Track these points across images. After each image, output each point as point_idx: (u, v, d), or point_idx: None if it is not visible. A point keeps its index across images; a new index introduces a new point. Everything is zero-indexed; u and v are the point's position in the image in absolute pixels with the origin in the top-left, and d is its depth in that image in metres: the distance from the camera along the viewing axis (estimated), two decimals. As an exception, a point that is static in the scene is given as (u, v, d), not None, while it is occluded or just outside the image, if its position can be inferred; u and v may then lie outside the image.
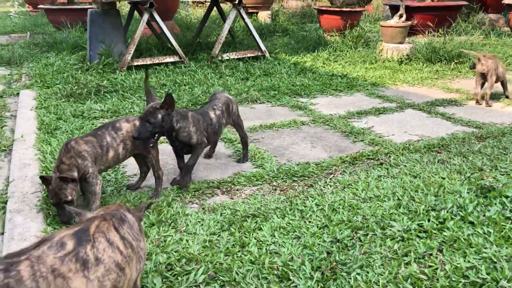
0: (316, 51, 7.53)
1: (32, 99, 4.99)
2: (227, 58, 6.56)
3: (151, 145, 2.83)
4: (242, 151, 3.52)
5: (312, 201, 2.78)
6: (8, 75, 6.36)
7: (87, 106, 4.70)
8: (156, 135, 2.82)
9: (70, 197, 2.51)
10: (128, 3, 7.08)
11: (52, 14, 9.49)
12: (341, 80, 5.87)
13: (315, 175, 3.21)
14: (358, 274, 2.06)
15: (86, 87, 5.20)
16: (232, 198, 2.93)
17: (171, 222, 2.60)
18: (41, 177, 2.51)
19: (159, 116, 2.74)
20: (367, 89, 5.55)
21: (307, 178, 3.18)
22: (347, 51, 7.41)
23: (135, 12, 7.10)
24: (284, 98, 5.15)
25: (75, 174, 2.56)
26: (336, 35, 8.24)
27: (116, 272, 1.46)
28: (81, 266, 1.37)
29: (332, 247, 2.28)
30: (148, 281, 2.06)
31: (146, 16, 6.13)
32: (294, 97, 5.25)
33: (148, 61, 6.20)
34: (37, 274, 1.27)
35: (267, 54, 6.87)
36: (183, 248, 2.34)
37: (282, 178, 3.18)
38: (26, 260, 1.28)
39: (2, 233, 2.53)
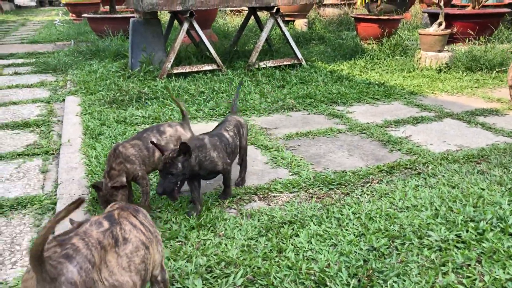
0: (353, 59, 7.53)
1: (77, 105, 5.23)
2: (264, 66, 6.66)
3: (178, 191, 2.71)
4: (241, 174, 3.33)
5: (349, 209, 2.82)
6: (54, 81, 6.68)
7: (129, 112, 4.89)
8: (180, 182, 2.70)
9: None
10: (169, 12, 7.30)
11: (95, 22, 9.87)
12: (378, 89, 5.86)
13: (352, 184, 3.24)
14: (394, 282, 2.09)
15: (128, 94, 5.40)
16: (269, 204, 3.00)
17: (211, 226, 2.70)
18: (93, 186, 2.67)
19: (179, 165, 2.61)
20: (405, 98, 5.52)
21: (343, 186, 3.22)
22: (385, 59, 7.38)
23: (175, 21, 7.31)
24: (320, 106, 5.19)
25: (124, 179, 2.70)
26: (373, 43, 8.22)
27: (143, 249, 1.63)
28: (114, 243, 1.54)
29: (369, 255, 2.32)
30: (189, 282, 2.15)
31: (186, 25, 6.32)
32: (331, 105, 5.29)
33: (187, 69, 6.37)
34: (88, 244, 1.44)
35: (304, 62, 6.93)
36: (222, 251, 2.42)
37: (319, 186, 3.22)
38: (76, 236, 1.46)
39: (53, 233, 2.68)
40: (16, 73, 7.32)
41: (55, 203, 2.98)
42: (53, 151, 3.94)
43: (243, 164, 3.33)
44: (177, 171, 2.60)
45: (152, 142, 2.66)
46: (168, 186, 2.59)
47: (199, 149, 2.78)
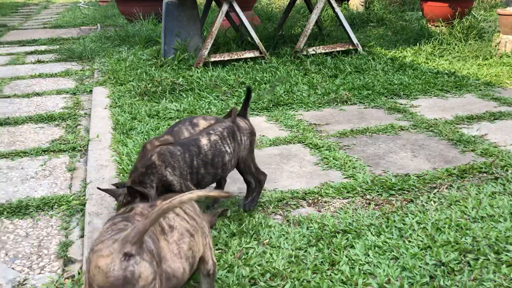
0: (417, 44, 7.43)
1: (105, 96, 5.44)
2: (313, 52, 6.67)
3: None
4: (247, 194, 3.07)
5: (413, 218, 2.82)
6: (80, 70, 6.96)
7: (162, 105, 5.04)
8: None
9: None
10: (206, -8, 7.43)
11: (124, 4, 10.16)
12: (448, 79, 5.77)
13: (416, 189, 3.23)
14: (466, 302, 2.09)
15: (161, 84, 5.55)
16: (319, 211, 3.04)
17: (253, 233, 2.76)
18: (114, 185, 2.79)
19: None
20: (480, 90, 5.40)
21: (406, 192, 3.21)
22: (456, 45, 7.23)
23: (213, 2, 7.44)
24: (379, 98, 5.17)
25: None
26: (442, 26, 8.07)
27: (189, 237, 1.80)
28: (161, 232, 1.73)
29: (436, 270, 2.32)
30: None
31: (225, 7, 6.43)
32: (391, 97, 5.25)
33: (226, 56, 6.48)
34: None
35: (360, 48, 6.90)
36: (266, 262, 2.48)
37: (377, 191, 3.23)
38: (137, 215, 1.70)
39: (82, 236, 2.83)
40: (39, 61, 7.67)
41: (84, 204, 3.13)
42: (80, 147, 4.13)
43: (249, 184, 3.04)
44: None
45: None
46: None
47: (150, 170, 2.59)
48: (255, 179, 3.00)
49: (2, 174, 3.68)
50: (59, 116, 4.93)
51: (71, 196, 3.31)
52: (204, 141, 2.74)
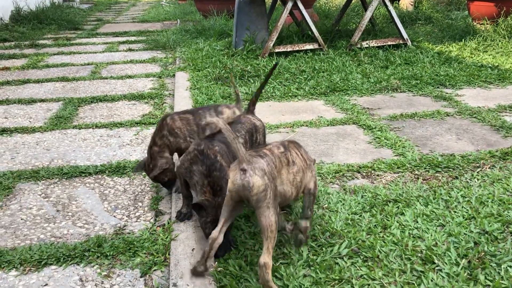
0: (463, 40, 7.11)
1: (186, 80, 5.56)
2: (367, 46, 6.53)
3: None
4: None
5: (458, 192, 2.75)
6: (164, 58, 7.13)
7: (233, 89, 5.09)
8: None
9: (167, 179, 2.82)
10: (272, -9, 7.40)
11: (200, 2, 10.30)
12: (491, 72, 5.50)
13: (461, 168, 3.13)
14: (509, 266, 2.03)
15: (232, 71, 5.62)
16: (372, 183, 3.01)
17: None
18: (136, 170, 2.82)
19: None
20: (522, 82, 5.13)
21: (451, 169, 3.12)
22: (499, 41, 6.87)
23: (278, 1, 7.40)
24: (426, 88, 5.01)
25: (166, 154, 2.74)
26: (487, 24, 7.67)
27: (301, 172, 2.14)
28: (287, 163, 2.06)
29: (480, 238, 2.26)
30: (295, 249, 2.26)
31: (290, 4, 6.38)
32: (438, 87, 5.08)
33: (288, 48, 6.45)
34: (273, 155, 2.00)
35: (409, 42, 6.69)
36: (326, 223, 2.50)
37: (425, 168, 3.16)
38: (265, 149, 2.02)
39: (170, 193, 2.94)
40: (130, 50, 7.91)
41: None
42: (166, 121, 4.26)
43: None
44: (232, 225, 2.29)
45: None
46: (228, 244, 2.24)
47: (215, 167, 2.25)
48: None
49: (103, 140, 3.87)
50: (148, 95, 5.09)
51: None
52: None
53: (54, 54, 7.69)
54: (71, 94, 5.23)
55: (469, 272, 2.02)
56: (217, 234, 2.01)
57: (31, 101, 4.98)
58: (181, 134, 2.75)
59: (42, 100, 5.01)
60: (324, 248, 2.27)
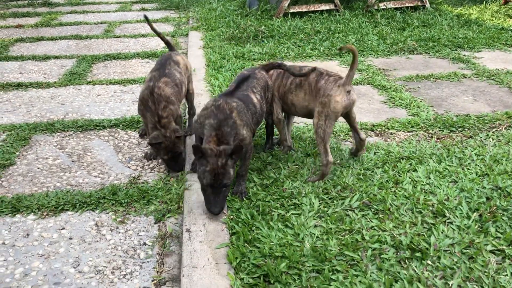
0: (483, 3, 6.90)
1: (199, 39, 5.51)
2: (384, 7, 6.38)
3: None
4: (268, 140, 2.88)
5: (472, 151, 2.73)
6: (177, 17, 7.05)
7: (247, 48, 5.04)
8: None
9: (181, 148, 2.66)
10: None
11: (214, -37, 10.05)
12: (512, 35, 5.36)
13: (476, 128, 3.10)
14: (520, 220, 2.03)
15: (246, 31, 5.54)
16: (386, 141, 3.00)
17: (326, 155, 2.78)
18: (151, 144, 2.56)
19: (231, 171, 2.16)
20: (543, 46, 5.00)
21: (466, 129, 3.09)
22: (522, 4, 6.65)
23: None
24: (444, 50, 4.91)
25: (174, 124, 2.63)
26: (509, -14, 7.41)
27: None
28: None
29: (492, 193, 2.26)
30: (307, 200, 2.28)
31: (306, -37, 6.21)
32: (456, 49, 4.97)
33: (303, 8, 6.33)
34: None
35: (427, 4, 6.51)
36: (338, 177, 2.51)
37: (439, 128, 3.13)
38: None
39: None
40: (143, 9, 7.83)
41: (184, 123, 3.26)
42: (179, 78, 4.25)
43: (270, 129, 2.86)
44: (230, 179, 2.15)
45: None
46: (222, 203, 2.15)
47: (232, 132, 2.26)
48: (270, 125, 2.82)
49: (117, 96, 3.88)
50: (161, 54, 5.06)
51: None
52: (255, 99, 2.51)
53: (67, 13, 7.64)
54: (84, 52, 5.22)
55: (480, 225, 2.03)
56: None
57: (45, 58, 4.98)
58: (176, 99, 2.74)
59: (56, 57, 5.01)
60: (335, 201, 2.29)
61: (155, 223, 2.21)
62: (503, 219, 2.05)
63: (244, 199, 2.31)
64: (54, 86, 4.11)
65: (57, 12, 7.64)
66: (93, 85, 4.14)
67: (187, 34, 5.90)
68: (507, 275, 1.74)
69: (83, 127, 3.26)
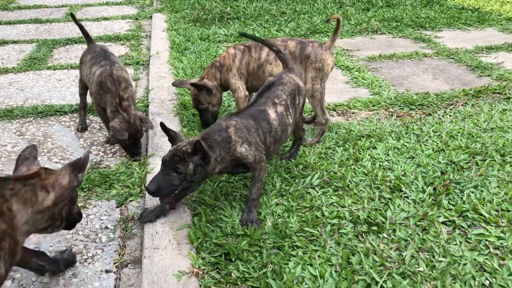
0: (446, -17, 7.02)
1: (163, 21, 5.43)
2: (349, -12, 6.40)
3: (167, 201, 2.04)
4: (292, 147, 2.60)
5: (429, 128, 2.82)
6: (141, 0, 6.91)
7: (212, 30, 5.01)
8: (182, 191, 2.06)
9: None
10: None
11: None
12: (472, 14, 5.49)
13: (435, 105, 3.19)
14: (472, 192, 2.12)
15: (211, 13, 5.49)
16: (347, 120, 3.06)
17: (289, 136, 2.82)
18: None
19: (190, 167, 1.91)
20: (501, 24, 5.14)
21: (425, 107, 3.18)
22: (482, -16, 6.80)
23: None
24: (406, 29, 5.00)
25: (133, 109, 2.64)
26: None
27: None
28: None
29: (447, 168, 2.34)
30: (269, 180, 2.32)
31: None
32: (418, 29, 5.07)
33: (269, -11, 6.29)
34: None
35: (392, -15, 6.57)
36: (300, 157, 2.55)
37: (400, 106, 3.21)
38: None
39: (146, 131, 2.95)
40: (105, -8, 7.64)
41: (147, 106, 3.24)
42: (143, 62, 4.20)
43: (296, 141, 2.58)
44: (185, 172, 1.91)
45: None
46: (166, 187, 1.91)
47: (221, 145, 2.00)
48: (298, 134, 2.53)
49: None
50: (124, 37, 4.98)
51: (137, 100, 3.40)
52: (272, 115, 2.20)
53: (26, -4, 7.39)
54: (45, 36, 5.08)
55: (433, 198, 2.11)
56: None
57: (3, 43, 4.83)
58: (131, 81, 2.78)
59: (14, 42, 4.86)
60: (296, 180, 2.33)
61: (117, 207, 2.21)
62: (455, 191, 2.13)
63: (255, 227, 1.98)
64: (13, 72, 4.00)
65: (15, -5, 7.38)
66: (54, 70, 4.05)
67: (151, 17, 5.80)
68: (456, 244, 1.82)
69: (43, 113, 3.20)
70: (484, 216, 1.95)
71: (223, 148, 1.99)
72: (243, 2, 5.97)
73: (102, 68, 2.63)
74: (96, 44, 2.95)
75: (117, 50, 4.59)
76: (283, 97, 2.26)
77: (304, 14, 5.57)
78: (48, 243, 1.98)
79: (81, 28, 3.02)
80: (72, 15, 3.08)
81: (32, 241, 1.99)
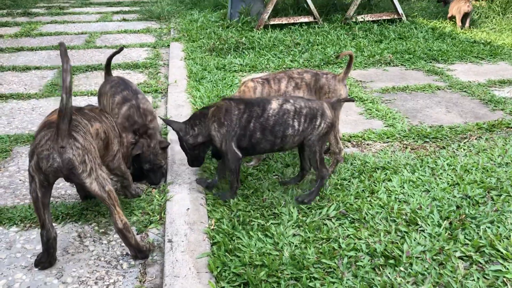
0: (457, 16, 7.13)
1: (180, 50, 5.57)
2: (362, 20, 6.55)
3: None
4: (300, 173, 2.62)
5: (444, 161, 2.85)
6: (159, 28, 7.11)
7: (228, 60, 5.13)
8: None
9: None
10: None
11: (195, -26, 10.14)
12: (484, 48, 5.57)
13: (449, 138, 3.23)
14: (488, 227, 2.14)
15: (227, 43, 5.63)
16: (362, 151, 3.11)
17: (305, 166, 2.87)
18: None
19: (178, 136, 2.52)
20: (513, 58, 5.21)
21: (439, 140, 3.22)
22: (494, 18, 6.91)
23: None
24: (419, 62, 5.08)
25: (158, 135, 2.80)
26: (482, 0, 7.69)
27: None
28: None
29: (462, 202, 2.37)
30: (286, 210, 2.36)
31: (285, -24, 6.35)
32: (430, 62, 5.14)
33: (283, 20, 6.46)
34: None
35: (404, 17, 6.71)
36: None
37: (414, 138, 3.25)
38: None
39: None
40: (124, 20, 7.87)
41: (166, 134, 3.31)
42: (161, 90, 4.31)
43: (304, 167, 2.58)
44: (181, 143, 2.52)
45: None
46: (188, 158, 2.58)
47: (199, 119, 2.45)
48: (316, 169, 2.48)
49: (99, 107, 3.91)
50: (143, 65, 5.11)
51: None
52: (274, 105, 2.37)
53: (48, 23, 7.63)
54: (65, 63, 5.23)
55: (450, 233, 2.13)
56: None
57: (26, 69, 4.98)
58: None
59: (36, 68, 5.01)
60: (313, 211, 2.37)
61: (137, 234, 2.26)
62: (471, 226, 2.16)
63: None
64: (35, 98, 4.12)
65: (37, 22, 7.62)
66: (75, 96, 4.16)
67: (168, 45, 5.96)
68: (474, 280, 1.84)
69: (65, 138, 3.28)
70: (501, 252, 1.97)
71: (201, 123, 2.43)
72: (258, 33, 6.11)
73: (126, 105, 2.72)
74: (113, 77, 3.05)
75: (135, 78, 4.71)
76: (301, 104, 2.38)
77: (318, 45, 5.69)
78: (71, 268, 2.03)
79: (110, 60, 3.15)
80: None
81: (55, 266, 2.03)
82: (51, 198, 2.53)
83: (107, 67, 3.14)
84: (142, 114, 2.70)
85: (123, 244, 2.18)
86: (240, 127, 2.35)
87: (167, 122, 2.54)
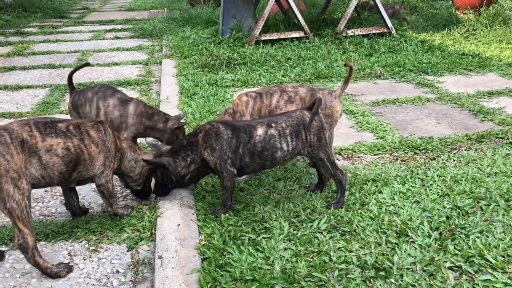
0: (446, 29, 7.24)
1: (172, 67, 5.61)
2: (352, 34, 6.62)
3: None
4: (319, 182, 2.72)
5: (434, 172, 2.87)
6: (151, 45, 7.16)
7: (220, 76, 5.17)
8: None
9: None
10: (259, -20, 7.42)
11: (187, -9, 10.26)
12: (472, 60, 5.64)
13: (438, 149, 3.26)
14: (477, 237, 2.15)
15: (219, 59, 5.68)
16: (353, 164, 3.12)
17: (296, 179, 2.88)
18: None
19: (159, 173, 2.52)
20: (501, 70, 5.27)
21: (429, 151, 3.24)
22: (482, 30, 7.01)
23: (265, -12, 7.44)
24: (409, 75, 5.13)
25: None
26: (470, 13, 7.81)
27: None
28: None
29: (452, 212, 2.38)
30: (277, 224, 2.36)
31: (276, -8, 6.43)
32: (420, 74, 5.20)
33: (275, 36, 6.52)
34: None
35: (393, 31, 6.80)
36: (307, 200, 2.60)
37: (404, 150, 3.28)
38: None
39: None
40: (116, 37, 7.92)
41: (157, 150, 3.32)
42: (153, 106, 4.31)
43: (319, 172, 2.67)
44: (160, 178, 2.52)
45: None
46: (161, 188, 2.58)
47: (188, 147, 2.46)
48: (331, 175, 2.54)
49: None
50: (135, 82, 5.14)
51: (145, 144, 3.50)
52: (259, 131, 2.43)
53: (40, 42, 7.67)
54: (57, 81, 5.25)
55: (440, 243, 2.13)
56: None
57: (18, 87, 5.00)
58: None
59: (28, 87, 5.03)
60: (304, 224, 2.37)
61: (127, 251, 2.25)
62: (461, 236, 2.16)
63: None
64: (27, 116, 4.12)
65: (29, 41, 7.66)
66: (66, 114, 4.17)
67: (160, 62, 5.99)
68: (464, 290, 1.84)
69: (56, 156, 3.28)
70: (491, 262, 1.97)
71: (190, 151, 2.44)
72: (250, 48, 6.17)
73: (131, 101, 3.01)
74: (92, 85, 3.13)
75: (128, 94, 4.71)
76: (282, 125, 2.45)
77: (308, 59, 5.74)
78: (60, 287, 2.01)
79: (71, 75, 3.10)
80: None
81: (45, 285, 2.02)
82: (41, 217, 2.53)
83: (70, 82, 3.09)
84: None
85: (113, 262, 2.17)
86: (231, 151, 2.41)
87: (150, 162, 2.48)
